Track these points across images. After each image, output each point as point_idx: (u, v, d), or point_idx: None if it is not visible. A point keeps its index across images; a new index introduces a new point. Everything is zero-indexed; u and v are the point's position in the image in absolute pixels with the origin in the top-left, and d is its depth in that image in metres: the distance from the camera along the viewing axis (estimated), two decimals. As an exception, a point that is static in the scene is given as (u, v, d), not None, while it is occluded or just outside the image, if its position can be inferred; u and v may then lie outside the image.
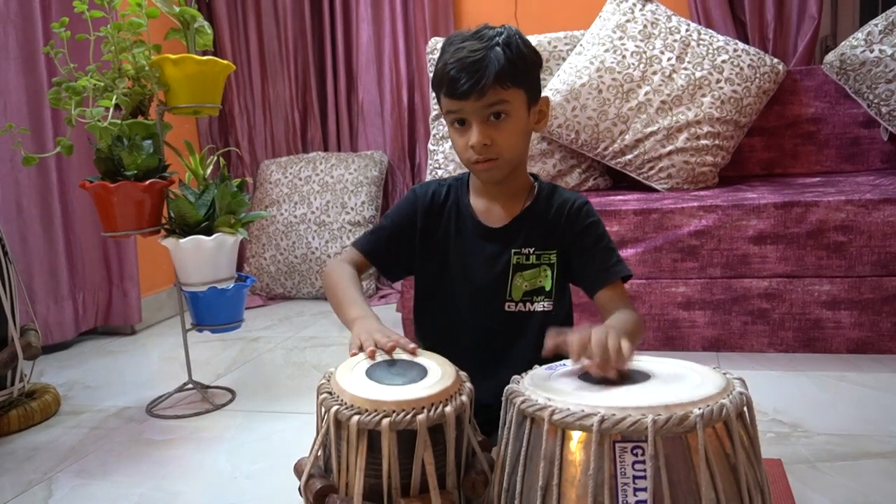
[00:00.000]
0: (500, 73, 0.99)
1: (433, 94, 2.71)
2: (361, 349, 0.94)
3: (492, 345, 1.12)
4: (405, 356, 0.94)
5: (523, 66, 1.04)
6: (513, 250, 1.10)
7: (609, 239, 1.13)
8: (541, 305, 1.11)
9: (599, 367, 0.82)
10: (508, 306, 1.11)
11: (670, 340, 2.00)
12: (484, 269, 1.11)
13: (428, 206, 1.15)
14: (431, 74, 1.11)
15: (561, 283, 1.12)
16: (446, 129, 2.61)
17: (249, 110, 3.23)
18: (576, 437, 0.76)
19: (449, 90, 1.02)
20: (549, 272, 1.11)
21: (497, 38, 1.01)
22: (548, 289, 1.11)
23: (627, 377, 0.84)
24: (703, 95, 2.32)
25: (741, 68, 2.34)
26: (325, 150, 3.23)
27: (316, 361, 2.11)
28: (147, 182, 1.67)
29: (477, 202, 1.14)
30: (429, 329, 1.17)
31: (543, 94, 1.10)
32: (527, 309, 1.11)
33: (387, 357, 0.93)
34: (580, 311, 1.21)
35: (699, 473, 0.72)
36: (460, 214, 1.14)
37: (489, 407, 0.95)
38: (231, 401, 1.81)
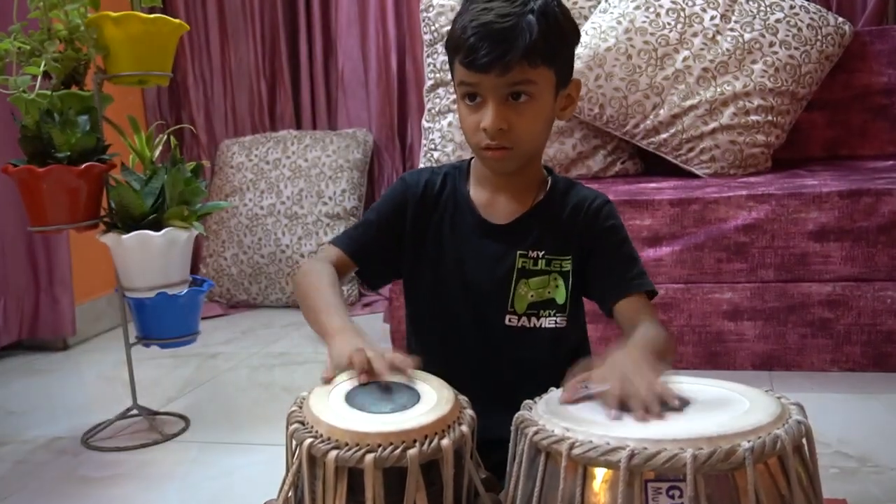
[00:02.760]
0: (531, 49, 0.98)
1: (428, 62, 2.71)
2: (343, 371, 0.92)
3: (493, 367, 1.11)
4: (395, 377, 0.93)
5: (559, 42, 1.03)
6: (518, 252, 1.10)
7: (632, 247, 1.13)
8: (550, 321, 1.10)
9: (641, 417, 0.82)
10: (510, 320, 1.10)
11: (714, 357, 2.00)
12: (484, 272, 1.11)
13: (420, 197, 1.14)
14: (446, 32, 1.10)
15: (576, 297, 1.12)
16: (443, 102, 2.64)
17: (206, 80, 3.23)
18: (600, 475, 0.76)
19: (466, 59, 1.01)
20: (560, 282, 1.10)
21: (532, 4, 1.00)
22: (560, 302, 1.10)
23: (662, 403, 0.84)
24: (754, 62, 2.32)
25: (799, 29, 2.34)
26: (298, 127, 3.23)
27: (286, 383, 2.11)
28: (83, 166, 1.67)
29: (478, 194, 1.14)
30: (421, 346, 1.17)
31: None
32: (531, 325, 1.10)
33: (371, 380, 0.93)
34: (591, 321, 1.20)
35: (748, 519, 0.72)
36: (458, 207, 1.13)
37: (494, 441, 0.94)
38: (184, 430, 1.80)
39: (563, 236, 1.11)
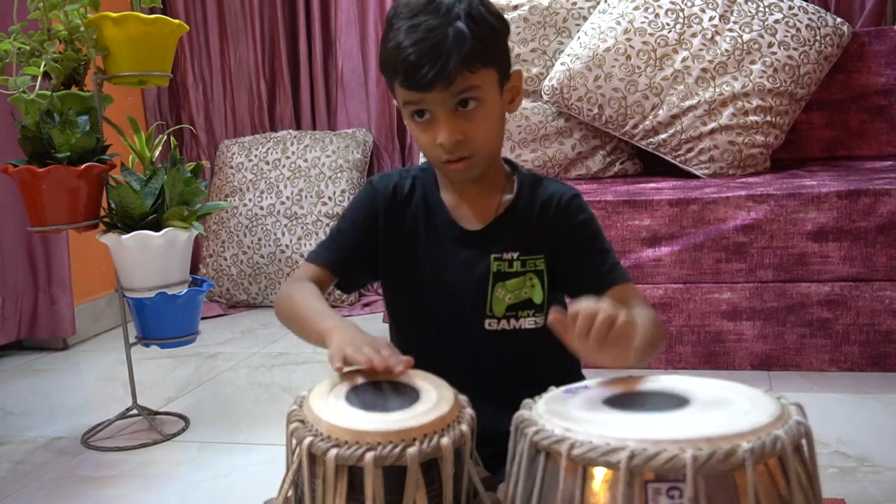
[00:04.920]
0: (468, 56, 0.97)
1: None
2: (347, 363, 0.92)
3: (475, 368, 1.11)
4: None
5: (493, 41, 1.02)
6: (492, 256, 1.10)
7: (604, 239, 1.12)
8: (530, 322, 1.10)
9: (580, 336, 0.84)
10: (489, 324, 1.10)
11: (712, 357, 2.00)
12: (460, 278, 1.11)
13: (389, 202, 1.13)
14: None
15: (553, 294, 1.12)
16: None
17: (206, 80, 3.23)
18: (599, 475, 0.75)
19: (406, 81, 1.00)
20: (536, 281, 1.10)
21: (456, 9, 0.99)
22: (538, 301, 1.10)
23: (660, 403, 0.84)
24: (753, 62, 2.32)
25: (798, 29, 2.34)
26: (298, 128, 3.23)
27: (286, 383, 2.11)
28: (82, 166, 1.67)
29: (448, 198, 1.13)
30: (402, 346, 1.17)
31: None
32: (511, 326, 1.10)
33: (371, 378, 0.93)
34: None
35: (748, 519, 0.72)
36: (431, 213, 1.13)
37: (488, 439, 0.95)
38: (184, 430, 1.80)
39: (535, 235, 1.10)
